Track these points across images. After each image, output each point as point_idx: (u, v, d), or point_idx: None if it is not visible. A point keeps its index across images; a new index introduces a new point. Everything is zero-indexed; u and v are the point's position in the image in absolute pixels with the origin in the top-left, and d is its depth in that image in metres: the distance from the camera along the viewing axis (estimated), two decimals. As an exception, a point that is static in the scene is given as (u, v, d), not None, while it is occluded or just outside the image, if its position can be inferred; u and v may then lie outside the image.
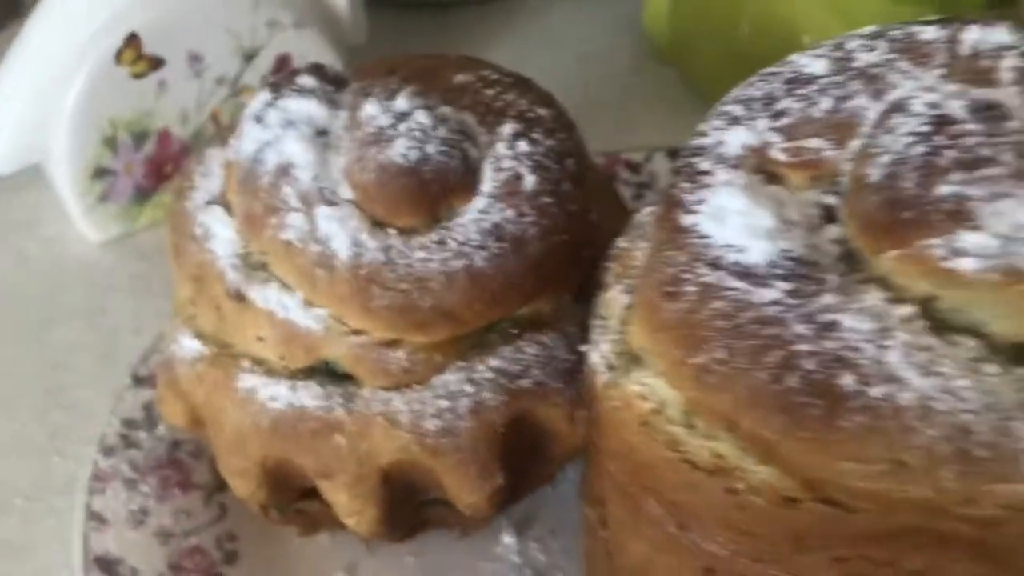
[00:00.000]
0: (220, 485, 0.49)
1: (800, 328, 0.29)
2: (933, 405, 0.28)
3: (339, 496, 0.40)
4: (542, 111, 0.43)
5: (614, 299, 0.36)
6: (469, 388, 0.39)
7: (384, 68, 0.44)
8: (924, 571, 0.30)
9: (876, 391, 0.28)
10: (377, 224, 0.39)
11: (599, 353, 0.35)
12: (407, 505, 0.43)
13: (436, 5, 0.74)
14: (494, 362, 0.40)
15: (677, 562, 0.35)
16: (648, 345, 0.33)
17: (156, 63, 0.57)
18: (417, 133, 0.39)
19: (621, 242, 0.38)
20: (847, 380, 0.28)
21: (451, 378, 0.39)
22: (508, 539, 0.49)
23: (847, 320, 0.29)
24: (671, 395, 0.32)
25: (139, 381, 0.51)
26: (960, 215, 0.29)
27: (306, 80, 0.42)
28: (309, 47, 0.60)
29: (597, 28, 0.74)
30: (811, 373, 0.29)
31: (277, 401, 0.40)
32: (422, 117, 0.40)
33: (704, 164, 0.33)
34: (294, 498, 0.44)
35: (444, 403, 0.39)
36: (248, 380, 0.40)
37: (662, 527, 0.34)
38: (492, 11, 0.75)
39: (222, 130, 0.49)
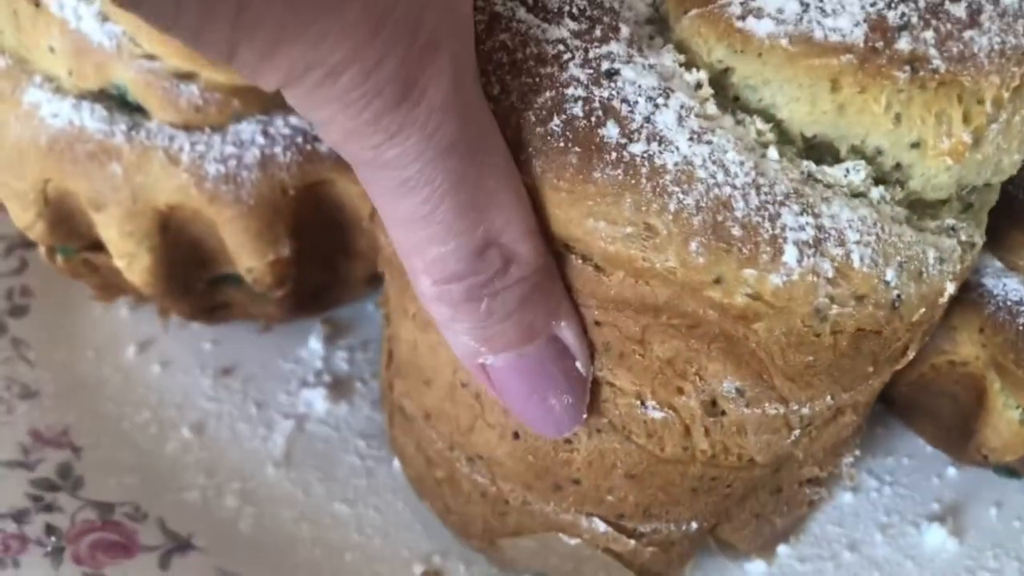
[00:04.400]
0: (25, 242, 0.47)
1: (577, 71, 0.26)
2: (695, 172, 0.26)
3: (110, 232, 0.37)
4: None
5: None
6: (262, 140, 0.36)
7: None
8: (674, 360, 0.28)
9: (637, 147, 0.26)
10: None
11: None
12: (192, 269, 0.40)
13: None
14: (296, 121, 0.37)
15: (437, 340, 0.33)
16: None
17: None
18: None
19: None
20: (610, 131, 0.26)
21: (245, 128, 0.37)
22: (315, 344, 0.47)
23: (629, 72, 0.26)
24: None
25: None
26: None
27: None
28: None
29: None
30: (575, 119, 0.26)
31: (58, 118, 0.36)
32: None
33: None
34: (81, 246, 0.41)
35: (231, 149, 0.36)
36: (34, 95, 0.37)
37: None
38: None
39: None
